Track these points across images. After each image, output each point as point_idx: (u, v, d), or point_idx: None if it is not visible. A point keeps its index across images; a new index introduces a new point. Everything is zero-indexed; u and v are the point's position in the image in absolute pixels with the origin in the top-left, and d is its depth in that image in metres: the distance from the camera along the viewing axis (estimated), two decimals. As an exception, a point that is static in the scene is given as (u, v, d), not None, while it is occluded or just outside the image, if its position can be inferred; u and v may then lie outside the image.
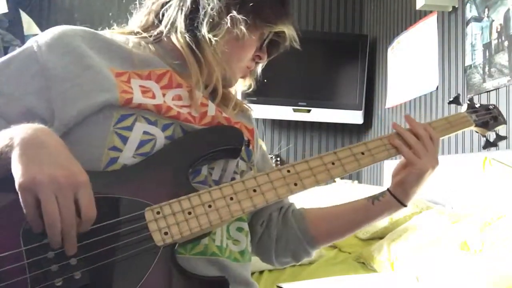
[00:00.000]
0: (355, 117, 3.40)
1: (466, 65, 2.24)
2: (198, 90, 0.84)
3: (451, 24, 2.42)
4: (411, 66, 2.84)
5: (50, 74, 0.74)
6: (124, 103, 0.74)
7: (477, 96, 2.14)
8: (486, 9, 2.10)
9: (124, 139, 0.74)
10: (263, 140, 3.34)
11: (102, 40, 0.81)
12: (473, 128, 0.98)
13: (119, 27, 0.92)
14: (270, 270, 1.89)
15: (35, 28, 3.16)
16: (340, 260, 2.04)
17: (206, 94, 0.86)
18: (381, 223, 2.19)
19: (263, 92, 3.31)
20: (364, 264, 1.94)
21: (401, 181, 0.85)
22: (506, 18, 1.96)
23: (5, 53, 1.98)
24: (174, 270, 0.68)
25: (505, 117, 1.01)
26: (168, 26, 0.86)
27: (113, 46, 0.82)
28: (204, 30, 0.83)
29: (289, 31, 0.91)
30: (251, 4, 0.85)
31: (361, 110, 3.38)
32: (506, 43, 1.95)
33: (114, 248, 0.65)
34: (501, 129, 1.02)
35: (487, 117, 0.98)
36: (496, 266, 1.22)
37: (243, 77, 0.96)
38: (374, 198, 0.88)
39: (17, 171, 0.60)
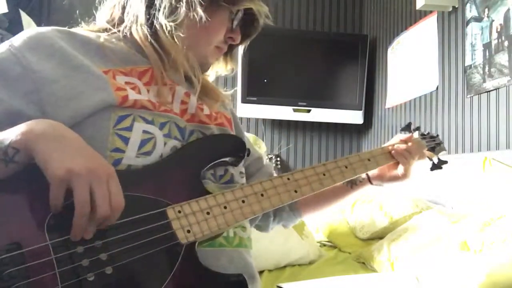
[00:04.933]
0: (355, 117, 3.40)
1: (466, 65, 2.24)
2: (180, 84, 0.82)
3: (451, 24, 2.42)
4: (411, 66, 2.84)
5: (37, 76, 0.70)
6: (121, 102, 0.73)
7: (477, 96, 2.14)
8: (486, 9, 2.10)
9: (125, 140, 0.73)
10: (263, 140, 3.34)
11: (80, 39, 0.78)
12: (425, 151, 1.11)
13: (86, 24, 0.87)
14: (270, 270, 1.89)
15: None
16: (340, 260, 2.03)
17: (188, 86, 0.85)
18: (381, 223, 2.19)
19: (263, 92, 3.31)
20: (364, 264, 1.94)
21: (386, 177, 1.03)
22: (506, 18, 1.96)
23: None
24: (196, 267, 0.71)
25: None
26: (131, 19, 0.82)
27: (91, 45, 0.79)
28: (161, 17, 0.79)
29: (256, 6, 0.86)
30: None
31: (361, 110, 3.38)
32: (506, 43, 1.95)
33: (141, 245, 0.67)
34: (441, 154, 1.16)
35: (433, 143, 1.13)
36: (496, 266, 1.22)
37: (217, 59, 0.93)
38: (352, 184, 1.04)
39: (48, 163, 0.59)
